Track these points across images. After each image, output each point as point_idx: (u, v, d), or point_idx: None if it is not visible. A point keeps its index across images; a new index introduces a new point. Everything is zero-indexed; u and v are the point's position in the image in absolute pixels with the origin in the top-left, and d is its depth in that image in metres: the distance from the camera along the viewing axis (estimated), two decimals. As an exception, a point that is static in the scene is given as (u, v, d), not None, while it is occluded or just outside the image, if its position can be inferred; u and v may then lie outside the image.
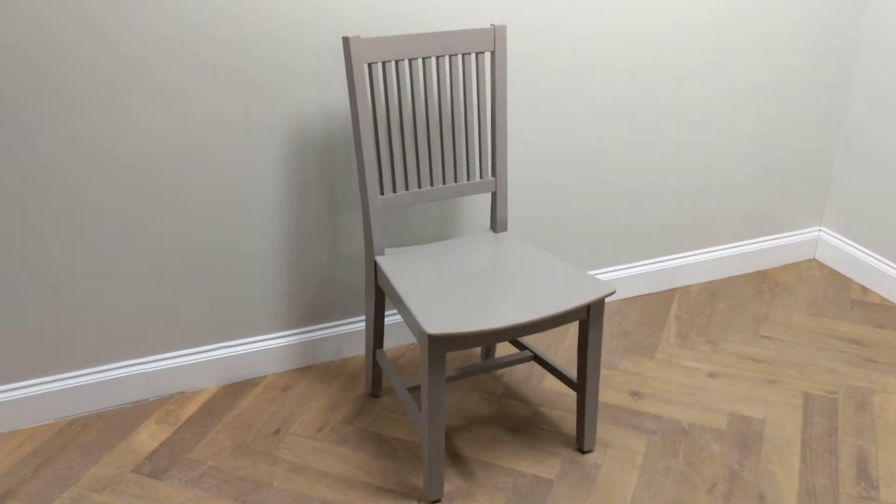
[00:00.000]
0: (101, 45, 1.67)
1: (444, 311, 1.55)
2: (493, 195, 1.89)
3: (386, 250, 1.83)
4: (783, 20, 2.27)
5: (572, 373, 2.09)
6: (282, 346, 2.10)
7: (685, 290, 2.52)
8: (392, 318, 2.20)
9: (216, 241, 1.94)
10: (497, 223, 1.90)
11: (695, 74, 2.24)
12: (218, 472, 1.77)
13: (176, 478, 1.75)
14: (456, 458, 1.80)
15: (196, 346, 2.03)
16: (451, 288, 1.65)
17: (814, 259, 2.71)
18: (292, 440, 1.87)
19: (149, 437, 1.89)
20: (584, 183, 2.26)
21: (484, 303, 1.59)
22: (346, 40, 1.61)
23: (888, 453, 1.79)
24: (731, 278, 2.59)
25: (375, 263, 1.79)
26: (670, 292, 2.51)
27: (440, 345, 1.52)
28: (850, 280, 2.56)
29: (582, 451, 1.81)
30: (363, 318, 2.18)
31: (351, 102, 1.67)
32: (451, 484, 1.72)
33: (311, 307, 2.11)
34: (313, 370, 2.14)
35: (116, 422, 1.94)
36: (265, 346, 2.09)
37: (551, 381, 2.07)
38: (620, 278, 2.44)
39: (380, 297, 1.85)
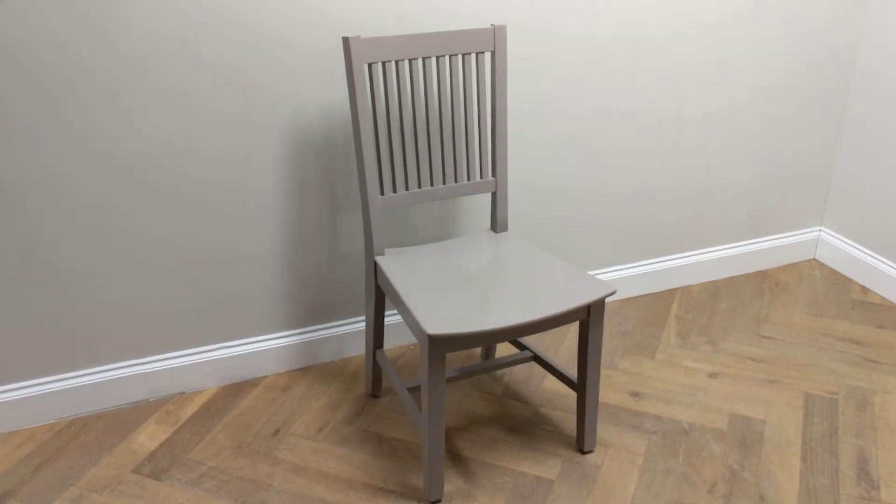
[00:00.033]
0: (101, 45, 1.67)
1: (445, 312, 1.55)
2: (494, 195, 1.89)
3: (386, 250, 1.83)
4: (784, 22, 2.27)
5: (572, 373, 2.09)
6: (282, 347, 2.10)
7: (685, 290, 2.52)
8: (392, 318, 2.20)
9: (216, 241, 1.94)
10: (497, 223, 1.90)
11: (695, 75, 2.24)
12: (218, 473, 1.76)
13: (176, 478, 1.75)
14: (456, 458, 1.80)
15: (196, 347, 2.03)
16: (452, 288, 1.65)
17: (814, 259, 2.71)
18: (292, 440, 1.87)
19: (149, 437, 1.89)
20: (584, 183, 2.26)
21: (484, 303, 1.59)
22: (346, 40, 1.61)
23: (889, 453, 1.79)
24: (731, 278, 2.59)
25: (375, 263, 1.78)
26: (670, 292, 2.51)
27: (440, 345, 1.52)
28: (850, 280, 2.56)
29: (582, 452, 1.81)
30: (363, 318, 2.18)
31: (351, 102, 1.67)
32: (452, 484, 1.72)
33: (311, 307, 2.11)
34: (313, 370, 2.14)
35: (116, 422, 1.94)
36: (265, 347, 2.09)
37: (551, 382, 2.07)
38: (621, 278, 2.44)
39: (380, 297, 1.85)
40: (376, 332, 1.90)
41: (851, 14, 2.35)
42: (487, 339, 1.54)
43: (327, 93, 1.88)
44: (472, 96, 1.79)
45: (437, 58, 1.72)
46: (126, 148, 1.77)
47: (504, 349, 2.20)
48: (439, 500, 1.67)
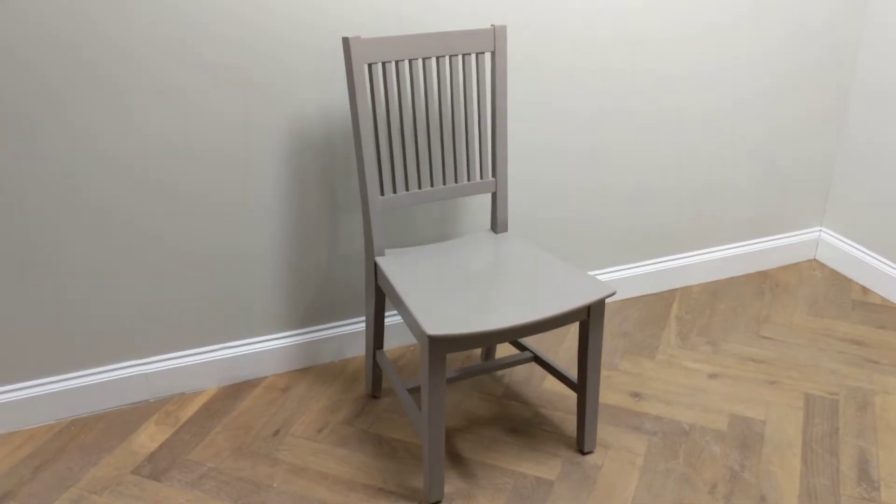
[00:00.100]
0: (102, 45, 1.67)
1: (445, 312, 1.55)
2: (494, 196, 1.89)
3: (386, 251, 1.83)
4: (784, 22, 2.27)
5: (573, 374, 2.08)
6: (282, 347, 2.10)
7: (686, 290, 2.52)
8: (392, 318, 2.19)
9: (216, 241, 1.93)
10: (497, 224, 1.90)
11: (696, 76, 2.24)
12: (218, 474, 1.76)
13: (176, 479, 1.75)
14: (456, 459, 1.80)
15: (196, 347, 2.03)
16: (452, 289, 1.65)
17: (814, 259, 2.70)
18: (292, 441, 1.86)
19: (148, 438, 1.88)
20: (584, 183, 2.25)
21: (484, 304, 1.58)
22: (346, 41, 1.61)
23: (889, 454, 1.79)
24: (731, 279, 2.59)
25: (375, 264, 1.78)
26: (671, 293, 2.51)
27: (440, 346, 1.52)
28: (850, 280, 2.56)
29: (582, 453, 1.81)
30: (363, 318, 2.18)
31: (351, 102, 1.67)
32: (452, 485, 1.72)
33: (311, 307, 2.10)
34: (313, 371, 2.14)
35: (116, 423, 1.94)
36: (265, 347, 2.09)
37: (552, 382, 2.07)
38: (621, 279, 2.44)
39: (380, 297, 1.84)
40: (376, 332, 1.90)
41: (851, 14, 2.35)
42: (488, 340, 1.54)
43: (327, 93, 1.88)
44: (473, 96, 1.79)
45: (437, 58, 1.72)
46: (126, 148, 1.77)
47: (504, 350, 2.20)
48: (439, 501, 1.67)
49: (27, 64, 1.63)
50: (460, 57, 1.76)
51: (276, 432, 1.90)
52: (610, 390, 2.03)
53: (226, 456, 1.82)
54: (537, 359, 1.90)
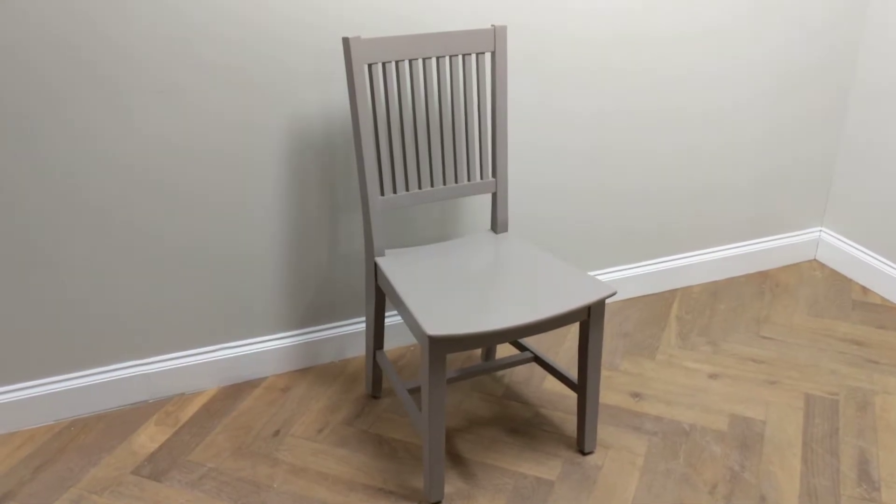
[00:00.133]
0: (102, 45, 1.66)
1: (445, 313, 1.55)
2: (494, 196, 1.88)
3: (386, 251, 1.83)
4: (784, 22, 2.27)
5: (573, 374, 2.08)
6: (282, 348, 2.10)
7: (686, 290, 2.52)
8: (392, 319, 2.19)
9: (216, 241, 1.93)
10: (497, 224, 1.90)
11: (696, 76, 2.24)
12: (218, 474, 1.76)
13: (176, 479, 1.75)
14: (456, 459, 1.80)
15: (196, 347, 2.03)
16: (452, 289, 1.65)
17: (815, 260, 2.70)
18: (292, 442, 1.86)
19: (148, 438, 1.88)
20: (584, 184, 2.25)
21: (484, 304, 1.58)
22: (346, 41, 1.61)
23: (889, 454, 1.79)
24: (731, 279, 2.59)
25: (376, 264, 1.78)
26: (671, 293, 2.51)
27: (441, 346, 1.52)
28: (850, 280, 2.56)
29: (583, 453, 1.81)
30: (363, 318, 2.18)
31: (351, 103, 1.66)
32: (452, 485, 1.72)
33: (312, 308, 2.10)
34: (313, 371, 2.14)
35: (116, 423, 1.94)
36: (265, 348, 2.09)
37: (552, 383, 2.07)
38: (621, 279, 2.44)
39: (380, 297, 1.84)
40: (376, 332, 1.90)
41: (851, 14, 2.34)
42: (488, 340, 1.54)
43: (327, 93, 1.88)
44: (473, 97, 1.78)
45: (438, 58, 1.72)
46: (126, 148, 1.77)
47: (504, 350, 2.20)
48: (440, 502, 1.67)
49: (27, 64, 1.63)
50: (460, 57, 1.76)
51: (277, 432, 1.90)
52: (610, 390, 2.03)
53: (226, 456, 1.82)
54: (537, 359, 1.90)
